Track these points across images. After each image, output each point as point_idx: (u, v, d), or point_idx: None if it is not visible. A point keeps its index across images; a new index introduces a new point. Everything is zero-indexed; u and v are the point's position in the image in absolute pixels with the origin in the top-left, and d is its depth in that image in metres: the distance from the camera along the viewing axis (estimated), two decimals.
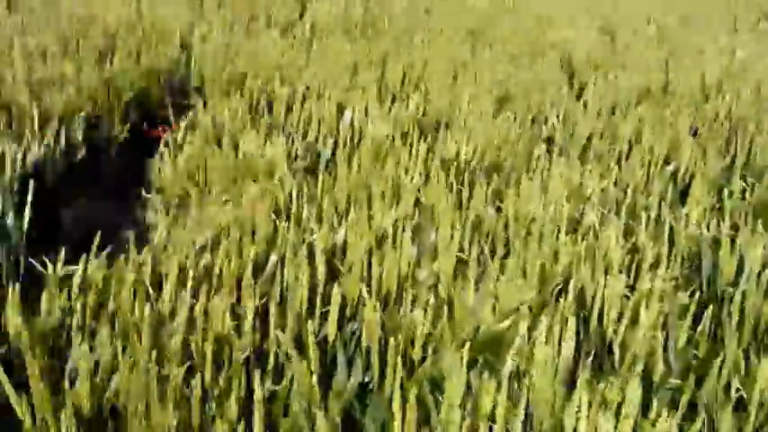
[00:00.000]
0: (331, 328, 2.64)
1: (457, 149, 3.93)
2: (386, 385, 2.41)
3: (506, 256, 3.19)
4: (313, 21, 6.24)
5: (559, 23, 6.73)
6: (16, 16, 5.48)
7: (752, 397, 2.41)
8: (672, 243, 3.35)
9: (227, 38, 5.58)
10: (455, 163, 3.87)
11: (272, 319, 2.54)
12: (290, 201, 3.37)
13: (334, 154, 4.07)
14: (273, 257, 2.93)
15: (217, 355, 2.51)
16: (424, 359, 2.57)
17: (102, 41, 5.17)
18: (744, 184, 3.93)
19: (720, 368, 2.68)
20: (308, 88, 4.73)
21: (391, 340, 2.44)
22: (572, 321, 2.50)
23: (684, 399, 2.34)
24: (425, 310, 2.67)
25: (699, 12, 8.08)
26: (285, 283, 2.85)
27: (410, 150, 3.88)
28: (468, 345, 2.43)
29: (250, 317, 2.54)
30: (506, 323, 2.62)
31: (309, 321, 2.52)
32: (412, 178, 3.60)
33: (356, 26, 6.22)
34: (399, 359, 2.38)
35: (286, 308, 2.77)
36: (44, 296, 2.53)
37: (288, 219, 3.29)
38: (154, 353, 2.17)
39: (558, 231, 3.14)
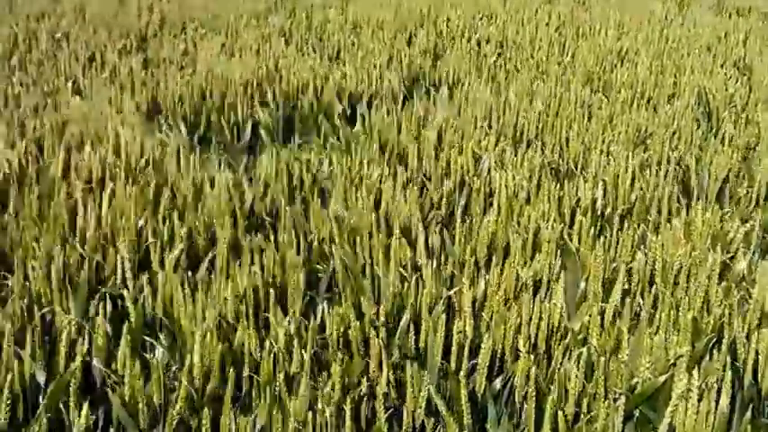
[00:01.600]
0: (479, 382, 2.59)
1: (593, 195, 3.86)
2: None
3: (654, 304, 3.10)
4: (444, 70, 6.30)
5: (693, 62, 6.58)
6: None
7: None
8: None
9: None
10: (592, 208, 3.80)
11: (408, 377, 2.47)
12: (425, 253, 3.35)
13: (468, 202, 4.05)
14: (407, 315, 2.86)
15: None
16: (577, 414, 2.52)
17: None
18: None
19: None
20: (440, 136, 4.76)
21: (549, 397, 2.40)
22: (728, 376, 2.43)
23: None
24: (578, 363, 2.61)
25: None
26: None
27: (547, 197, 3.83)
28: (623, 399, 2.40)
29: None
30: (663, 378, 2.53)
31: (460, 374, 2.52)
32: (551, 226, 3.56)
33: (489, 70, 6.25)
34: (556, 414, 2.35)
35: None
36: None
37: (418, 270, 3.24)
38: None
39: (709, 279, 3.03)
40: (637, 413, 2.52)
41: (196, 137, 5.09)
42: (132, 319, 2.75)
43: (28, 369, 2.50)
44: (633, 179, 4.07)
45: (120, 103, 5.13)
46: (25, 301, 2.83)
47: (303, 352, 2.60)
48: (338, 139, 5.11)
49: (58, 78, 5.70)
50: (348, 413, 2.32)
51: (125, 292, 2.96)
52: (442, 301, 2.92)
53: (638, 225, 3.66)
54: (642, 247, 3.43)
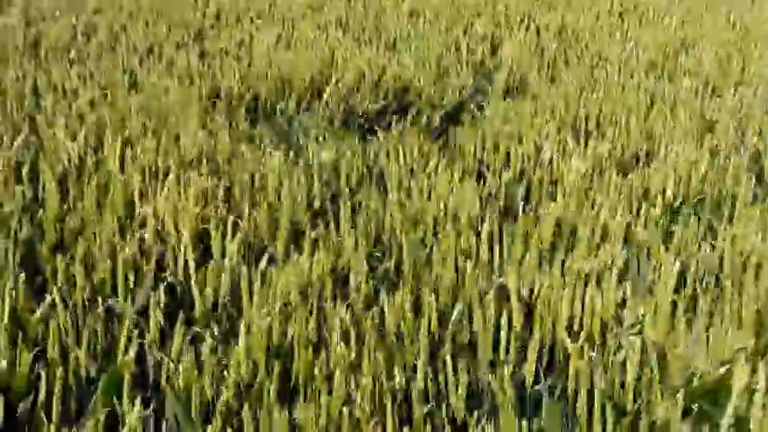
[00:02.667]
0: (528, 374, 2.52)
1: (663, 184, 3.76)
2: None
3: (718, 297, 3.00)
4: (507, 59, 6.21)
5: (762, 50, 6.37)
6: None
7: None
8: None
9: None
10: (661, 198, 3.70)
11: (448, 369, 2.45)
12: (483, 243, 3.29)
13: (529, 193, 3.98)
14: (459, 305, 2.82)
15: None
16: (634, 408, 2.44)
17: None
18: None
19: None
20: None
21: (600, 388, 2.35)
22: None
23: None
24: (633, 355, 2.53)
25: None
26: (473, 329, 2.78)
27: (612, 187, 3.74)
28: (681, 393, 2.32)
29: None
30: (722, 370, 2.46)
31: (505, 367, 2.46)
32: (617, 216, 3.47)
33: (548, 64, 6.14)
34: (610, 407, 2.29)
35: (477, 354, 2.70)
36: None
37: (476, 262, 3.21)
38: None
39: None
40: (695, 408, 2.44)
41: (252, 125, 5.11)
42: (197, 308, 2.76)
43: (83, 362, 2.49)
44: (705, 170, 3.95)
45: (176, 95, 5.14)
46: (87, 291, 2.83)
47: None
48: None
49: (115, 71, 5.75)
50: (389, 406, 2.27)
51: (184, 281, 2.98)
52: (491, 293, 2.85)
53: (708, 216, 3.55)
54: (710, 238, 3.32)
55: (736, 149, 4.26)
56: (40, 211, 3.46)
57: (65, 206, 3.54)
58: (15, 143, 4.11)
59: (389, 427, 2.24)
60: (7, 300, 2.63)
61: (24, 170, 3.67)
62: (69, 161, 4.02)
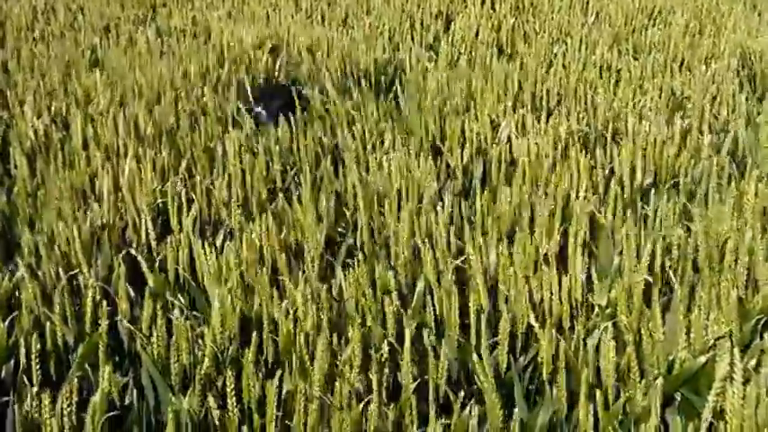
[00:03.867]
0: (501, 359, 2.39)
1: (630, 164, 3.48)
2: (580, 423, 2.12)
3: (695, 282, 2.74)
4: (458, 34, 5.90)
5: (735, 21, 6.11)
6: None
7: None
8: None
9: None
10: (631, 178, 3.43)
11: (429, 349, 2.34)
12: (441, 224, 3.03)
13: (486, 173, 3.70)
14: (420, 285, 2.72)
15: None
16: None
17: None
18: None
19: None
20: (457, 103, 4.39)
21: (583, 374, 2.15)
22: None
23: None
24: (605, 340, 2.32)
25: None
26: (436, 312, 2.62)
27: (576, 166, 3.46)
28: (661, 380, 2.20)
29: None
30: (703, 358, 2.32)
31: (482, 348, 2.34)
32: (581, 196, 3.19)
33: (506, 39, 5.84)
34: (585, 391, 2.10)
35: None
36: None
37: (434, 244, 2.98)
38: None
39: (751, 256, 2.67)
40: (678, 396, 2.30)
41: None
42: (152, 281, 2.81)
43: (59, 331, 2.57)
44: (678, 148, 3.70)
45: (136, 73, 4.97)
46: (53, 263, 2.90)
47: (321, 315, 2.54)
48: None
49: (77, 49, 5.63)
50: (375, 379, 2.20)
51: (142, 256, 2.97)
52: (450, 271, 2.75)
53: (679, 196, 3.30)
54: (684, 220, 3.07)
55: (710, 128, 4.01)
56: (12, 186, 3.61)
57: (34, 181, 3.64)
58: None
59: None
60: None
61: None
62: (36, 137, 4.12)
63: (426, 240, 2.91)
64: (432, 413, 2.22)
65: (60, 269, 2.85)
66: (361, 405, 2.19)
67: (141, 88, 4.67)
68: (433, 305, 2.60)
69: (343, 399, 2.19)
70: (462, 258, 2.84)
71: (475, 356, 2.30)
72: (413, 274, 2.87)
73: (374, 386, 2.18)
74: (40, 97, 4.58)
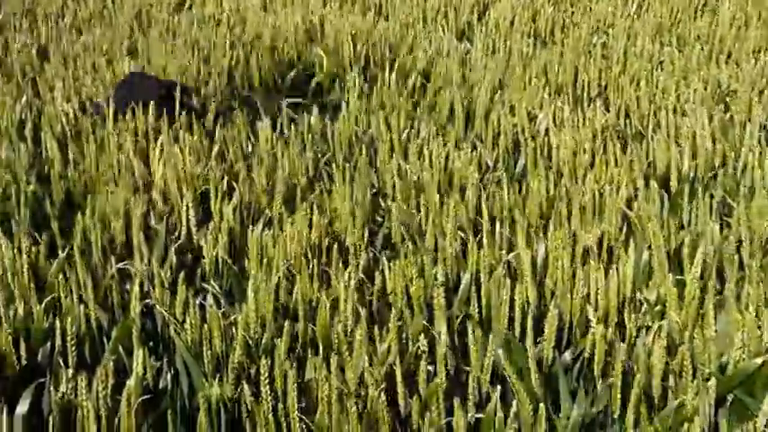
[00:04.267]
0: (547, 352, 2.35)
1: (668, 158, 3.40)
2: (626, 422, 2.10)
3: (740, 280, 2.67)
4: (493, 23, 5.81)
5: None
6: None
7: None
8: None
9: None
10: (678, 172, 3.34)
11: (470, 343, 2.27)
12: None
13: (525, 165, 3.64)
14: (467, 276, 2.68)
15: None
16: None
17: None
18: None
19: None
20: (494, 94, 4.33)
21: (637, 376, 2.11)
22: None
23: None
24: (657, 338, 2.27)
25: None
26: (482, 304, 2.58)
27: (614, 160, 3.39)
28: (713, 380, 2.13)
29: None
30: (759, 360, 2.23)
31: (527, 342, 2.29)
32: (617, 190, 3.13)
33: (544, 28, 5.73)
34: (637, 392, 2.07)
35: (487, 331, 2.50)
36: None
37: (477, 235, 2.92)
38: None
39: None
40: (730, 398, 2.22)
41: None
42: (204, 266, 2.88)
43: (93, 316, 2.60)
44: (713, 141, 3.59)
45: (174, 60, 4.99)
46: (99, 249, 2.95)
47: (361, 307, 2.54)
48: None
49: (112, 34, 5.66)
50: (399, 372, 2.18)
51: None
52: (501, 265, 2.69)
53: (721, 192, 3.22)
54: (724, 216, 3.00)
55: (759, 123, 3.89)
56: (46, 168, 3.68)
57: (66, 165, 3.69)
58: (19, 104, 4.31)
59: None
60: (24, 254, 2.75)
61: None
62: (68, 122, 4.15)
63: (471, 233, 2.89)
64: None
65: (113, 256, 2.89)
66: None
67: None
68: (479, 298, 2.57)
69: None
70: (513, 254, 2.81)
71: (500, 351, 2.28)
72: (458, 267, 2.83)
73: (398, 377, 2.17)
74: (70, 85, 4.61)
